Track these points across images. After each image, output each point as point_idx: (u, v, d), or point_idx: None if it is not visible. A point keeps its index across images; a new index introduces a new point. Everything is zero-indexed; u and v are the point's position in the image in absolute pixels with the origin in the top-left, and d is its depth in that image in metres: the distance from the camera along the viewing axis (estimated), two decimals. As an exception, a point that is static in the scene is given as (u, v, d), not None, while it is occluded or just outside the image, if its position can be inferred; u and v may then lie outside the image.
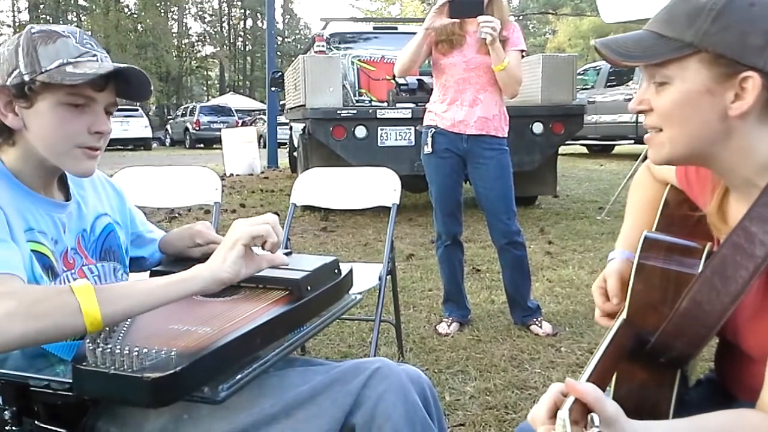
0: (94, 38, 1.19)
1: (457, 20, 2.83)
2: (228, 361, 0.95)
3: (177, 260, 1.35)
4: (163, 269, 1.25)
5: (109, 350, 0.88)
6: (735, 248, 0.93)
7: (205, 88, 49.73)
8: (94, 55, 1.13)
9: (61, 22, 39.07)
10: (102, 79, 1.11)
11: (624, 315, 1.03)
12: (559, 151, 6.50)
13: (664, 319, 0.97)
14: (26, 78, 1.08)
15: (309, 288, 1.13)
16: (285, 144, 12.43)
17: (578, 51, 33.14)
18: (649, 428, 0.79)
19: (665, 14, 0.95)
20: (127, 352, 0.88)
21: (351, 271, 1.31)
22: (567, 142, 6.26)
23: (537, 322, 3.04)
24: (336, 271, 1.25)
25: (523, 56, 3.00)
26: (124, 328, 1.01)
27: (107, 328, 0.98)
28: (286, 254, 1.28)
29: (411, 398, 1.09)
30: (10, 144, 1.13)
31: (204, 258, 1.23)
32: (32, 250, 1.09)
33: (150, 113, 37.29)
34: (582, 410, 0.74)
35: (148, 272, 1.33)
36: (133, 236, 1.39)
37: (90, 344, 0.90)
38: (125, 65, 1.13)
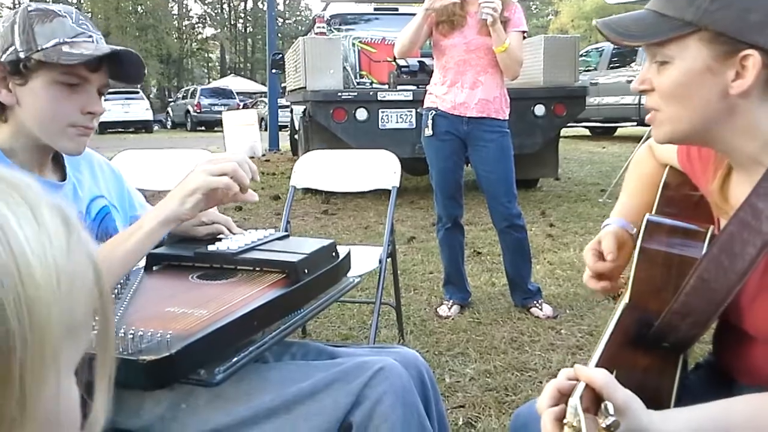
0: (90, 19, 1.18)
1: (458, 1, 2.80)
2: (224, 344, 0.94)
3: (181, 240, 1.34)
4: (164, 252, 1.24)
5: (104, 333, 0.88)
6: (742, 225, 0.93)
7: (206, 71, 49.52)
8: (90, 36, 1.13)
9: (61, 3, 38.86)
10: (97, 60, 1.10)
11: (626, 299, 1.02)
12: (561, 134, 6.47)
13: (667, 303, 0.96)
14: (21, 55, 1.08)
15: (306, 271, 1.12)
16: (286, 127, 12.39)
17: (581, 32, 32.90)
18: (667, 418, 0.78)
19: None
20: (122, 334, 0.88)
21: (349, 254, 1.30)
22: (569, 125, 6.22)
23: (537, 305, 3.04)
24: (334, 254, 1.24)
25: (524, 37, 2.97)
26: (120, 310, 1.00)
27: None
28: (283, 237, 1.28)
29: (410, 401, 1.09)
30: (3, 120, 1.13)
31: (210, 237, 1.24)
32: None
33: (151, 96, 37.23)
34: (592, 397, 0.73)
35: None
36: (132, 219, 1.38)
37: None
38: (121, 48, 1.12)
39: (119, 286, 1.08)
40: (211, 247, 1.17)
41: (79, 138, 1.16)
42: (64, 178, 1.23)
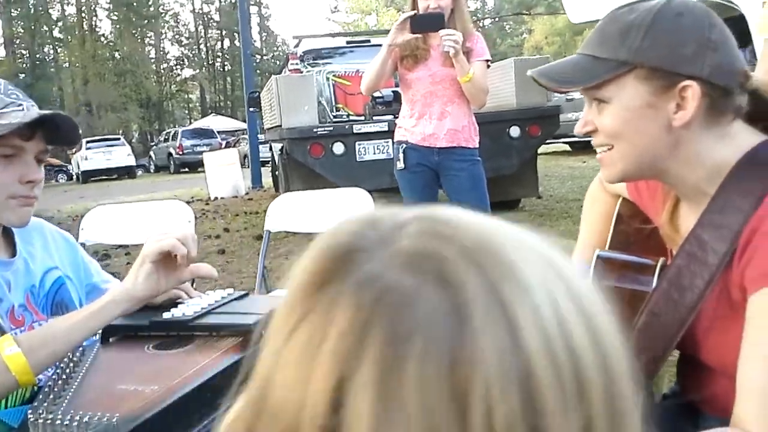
0: (19, 89, 1.16)
1: (420, 35, 2.83)
2: (177, 422, 0.92)
3: (138, 310, 1.31)
4: (119, 323, 1.21)
5: (50, 420, 0.86)
6: (689, 257, 0.92)
7: (186, 111, 49.69)
8: (20, 105, 1.11)
9: (37, 55, 39.04)
10: (28, 128, 1.09)
11: None
12: (541, 151, 6.51)
13: None
14: None
15: (263, 333, 1.10)
16: (269, 162, 12.42)
17: (555, 48, 33.39)
18: None
19: (597, 36, 0.95)
20: (68, 421, 0.85)
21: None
22: (548, 141, 6.28)
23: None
24: (294, 310, 1.22)
25: (488, 65, 3.00)
26: (72, 389, 0.98)
27: (55, 389, 0.95)
28: (242, 296, 1.26)
29: None
30: None
31: (167, 303, 1.22)
32: None
33: (133, 141, 37.27)
34: None
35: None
36: (88, 287, 1.35)
37: (32, 415, 0.87)
38: (50, 111, 1.11)
39: (71, 363, 1.05)
40: (166, 314, 1.15)
41: (22, 209, 1.14)
42: (14, 254, 1.21)
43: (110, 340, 1.16)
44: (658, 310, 0.94)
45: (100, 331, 1.17)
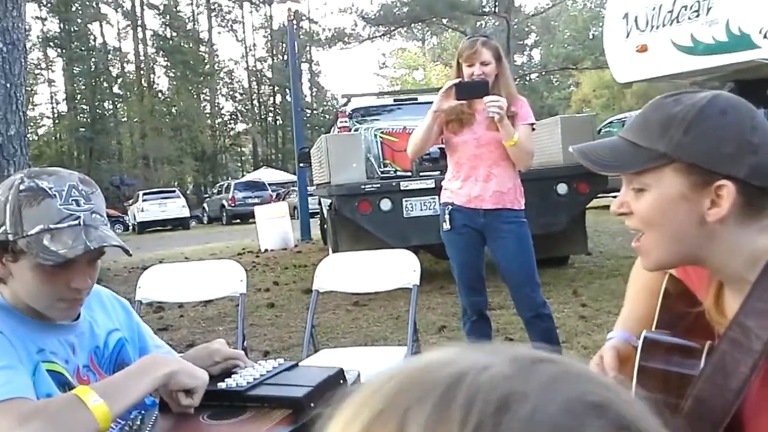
0: (87, 186, 1.20)
1: (465, 102, 2.90)
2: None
3: None
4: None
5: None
6: (733, 344, 0.93)
7: (239, 164, 51.00)
8: (77, 218, 1.15)
9: (97, 110, 40.81)
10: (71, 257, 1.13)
11: None
12: (592, 204, 6.45)
13: (668, 422, 0.95)
14: (10, 237, 1.13)
15: (313, 404, 1.14)
16: (317, 214, 12.61)
17: (603, 101, 33.24)
18: None
19: (639, 122, 0.98)
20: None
21: (359, 376, 1.32)
22: (599, 195, 6.21)
23: (571, 395, 2.97)
24: (342, 380, 1.26)
25: (533, 129, 3.04)
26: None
27: None
28: (292, 367, 1.31)
29: None
30: (3, 283, 1.19)
31: (222, 375, 1.28)
32: (47, 370, 1.15)
33: (188, 192, 38.30)
34: None
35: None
36: (141, 351, 1.43)
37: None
38: (95, 245, 1.15)
39: (133, 428, 1.11)
40: (221, 385, 1.21)
41: (69, 310, 1.22)
42: (77, 317, 1.29)
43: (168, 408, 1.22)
44: (704, 395, 0.94)
45: (159, 398, 1.23)
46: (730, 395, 0.91)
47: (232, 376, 1.25)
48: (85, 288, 1.20)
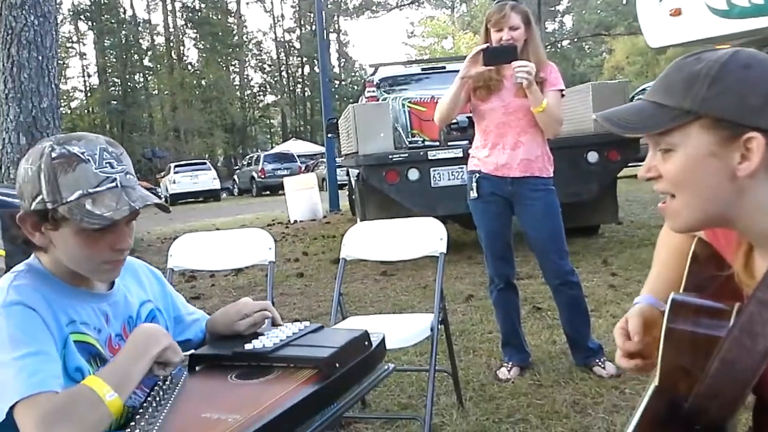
0: (115, 148, 1.21)
1: (493, 67, 2.85)
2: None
3: (220, 338, 1.41)
4: (205, 352, 1.31)
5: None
6: (761, 305, 0.92)
7: (268, 136, 51.26)
8: (113, 180, 1.16)
9: (128, 83, 41.21)
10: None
11: (656, 382, 1.01)
12: (623, 174, 6.35)
13: (695, 383, 0.95)
14: (49, 206, 1.14)
15: (338, 365, 1.16)
16: (346, 185, 12.66)
17: (637, 68, 32.50)
18: None
19: (662, 83, 0.96)
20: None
21: (383, 340, 1.33)
22: (630, 164, 6.11)
23: (600, 363, 2.96)
24: (366, 343, 1.28)
25: (562, 95, 2.99)
26: (163, 416, 1.06)
27: (146, 416, 1.05)
28: (318, 329, 1.33)
29: None
30: (43, 251, 1.22)
31: (249, 331, 1.30)
32: (76, 341, 1.17)
33: (218, 164, 38.70)
34: None
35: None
36: (176, 319, 1.46)
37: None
38: (139, 205, 1.17)
39: (161, 390, 1.14)
40: (248, 346, 1.23)
41: (113, 271, 1.24)
42: (111, 286, 1.32)
43: (196, 368, 1.25)
44: (730, 356, 0.93)
45: (187, 359, 1.26)
46: (758, 356, 0.90)
47: (259, 337, 1.28)
48: (127, 248, 1.22)
